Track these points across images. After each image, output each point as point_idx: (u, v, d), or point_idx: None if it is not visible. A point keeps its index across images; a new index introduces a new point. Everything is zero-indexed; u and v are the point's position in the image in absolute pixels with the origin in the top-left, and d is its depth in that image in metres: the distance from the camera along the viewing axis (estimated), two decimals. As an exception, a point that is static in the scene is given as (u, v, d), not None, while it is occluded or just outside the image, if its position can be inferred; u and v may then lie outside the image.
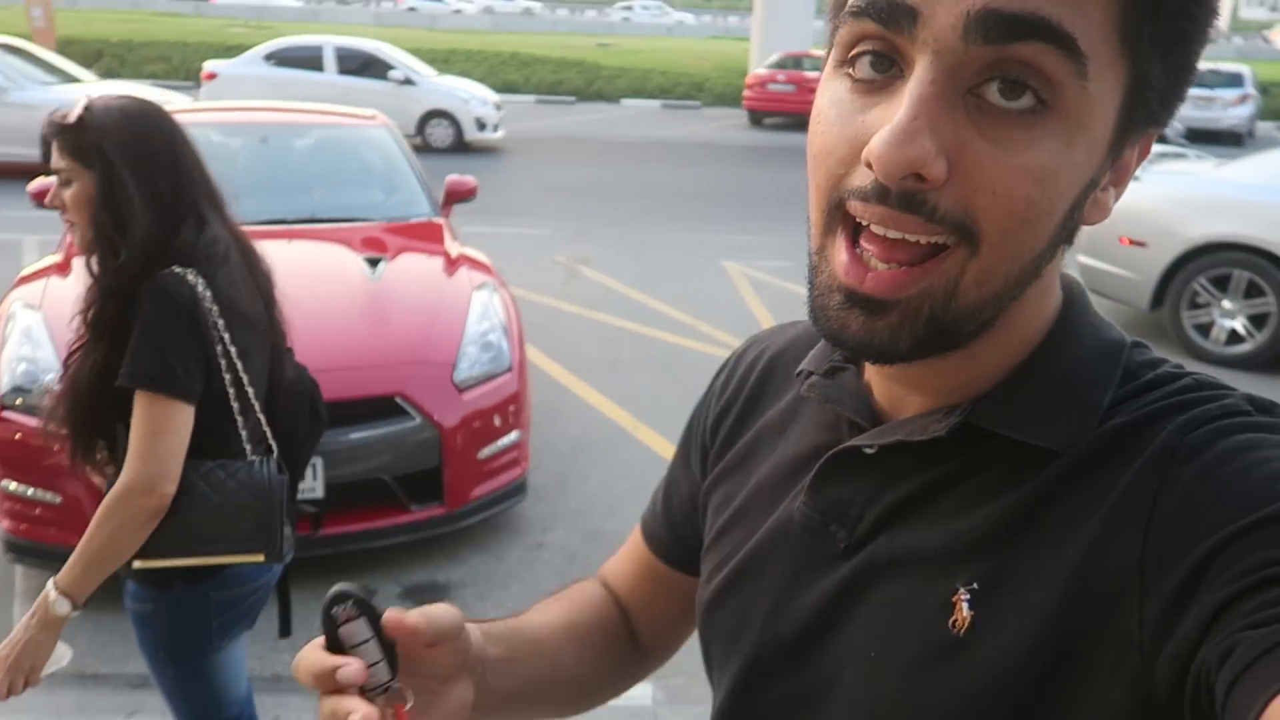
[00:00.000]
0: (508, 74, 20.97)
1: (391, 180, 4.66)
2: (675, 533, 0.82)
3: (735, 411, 0.76)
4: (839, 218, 0.54)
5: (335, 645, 0.60)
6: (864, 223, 0.52)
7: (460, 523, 3.41)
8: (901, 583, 0.58)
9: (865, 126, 0.51)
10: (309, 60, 12.17)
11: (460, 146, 12.70)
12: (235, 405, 1.68)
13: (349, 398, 3.18)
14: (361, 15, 37.82)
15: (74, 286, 3.37)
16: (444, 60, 19.79)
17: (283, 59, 12.11)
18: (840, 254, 0.54)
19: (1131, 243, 5.77)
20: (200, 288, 1.61)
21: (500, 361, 3.54)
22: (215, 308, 1.62)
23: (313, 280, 3.72)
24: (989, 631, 0.53)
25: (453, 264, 3.97)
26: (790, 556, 0.65)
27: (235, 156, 4.47)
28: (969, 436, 0.57)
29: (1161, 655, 0.48)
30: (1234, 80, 16.38)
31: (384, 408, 3.21)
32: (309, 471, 3.09)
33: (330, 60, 12.20)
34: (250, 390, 1.70)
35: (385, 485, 3.22)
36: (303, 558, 3.30)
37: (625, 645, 0.86)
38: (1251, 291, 5.48)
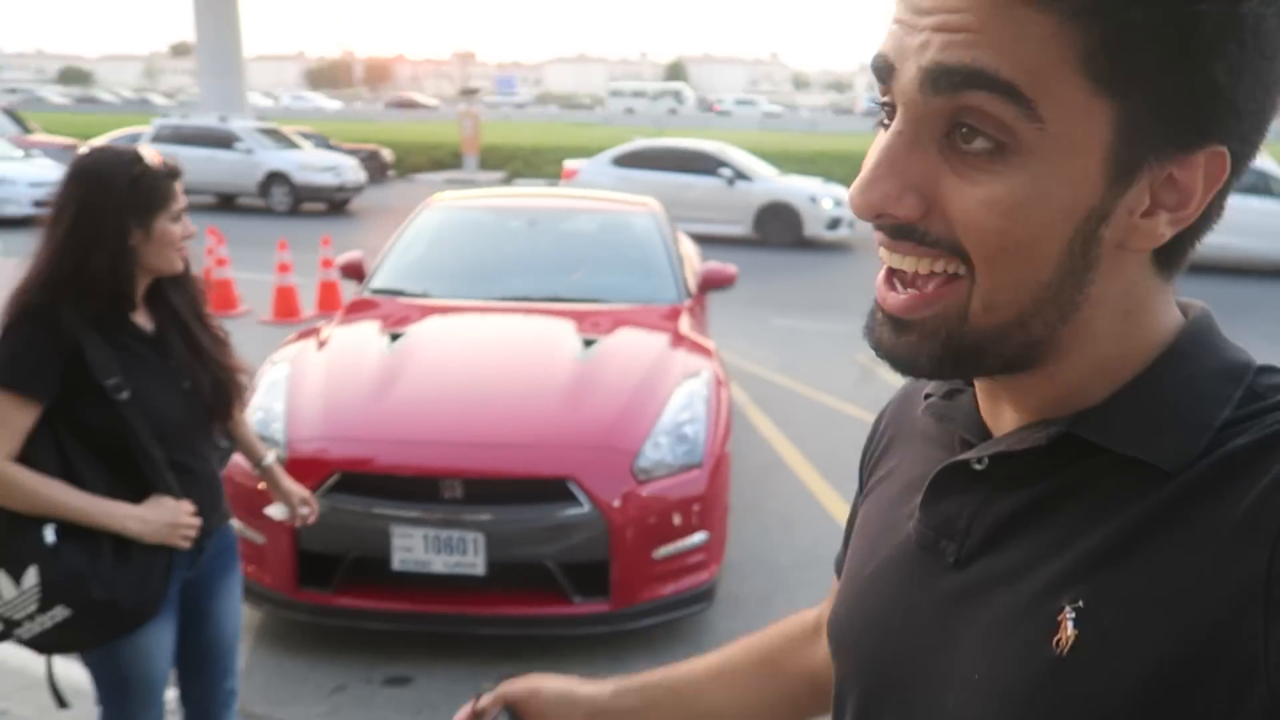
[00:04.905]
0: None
1: (646, 266, 4.66)
2: None
3: (883, 443, 0.79)
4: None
5: None
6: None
7: (626, 624, 3.18)
8: (1007, 600, 0.57)
9: None
10: (647, 161, 13.50)
11: (800, 242, 12.72)
12: None
13: (520, 475, 3.13)
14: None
15: (323, 355, 3.73)
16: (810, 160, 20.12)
17: (622, 160, 13.63)
18: (879, 277, 0.59)
19: None
20: None
21: (693, 455, 3.30)
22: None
23: (520, 356, 3.77)
24: (1093, 652, 0.52)
25: (672, 350, 3.83)
26: (905, 574, 0.66)
27: (503, 237, 4.74)
28: (1075, 452, 0.57)
29: None
30: None
31: (555, 490, 3.11)
32: (470, 546, 3.07)
33: (667, 160, 13.42)
34: None
35: (549, 572, 3.10)
36: (459, 634, 3.30)
37: (804, 682, 0.89)
38: None
